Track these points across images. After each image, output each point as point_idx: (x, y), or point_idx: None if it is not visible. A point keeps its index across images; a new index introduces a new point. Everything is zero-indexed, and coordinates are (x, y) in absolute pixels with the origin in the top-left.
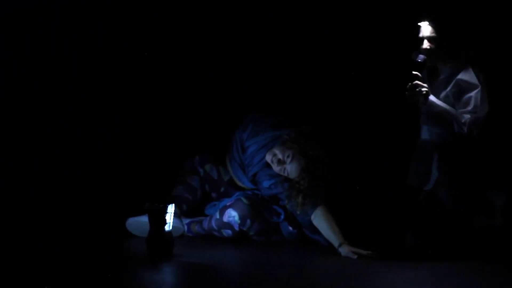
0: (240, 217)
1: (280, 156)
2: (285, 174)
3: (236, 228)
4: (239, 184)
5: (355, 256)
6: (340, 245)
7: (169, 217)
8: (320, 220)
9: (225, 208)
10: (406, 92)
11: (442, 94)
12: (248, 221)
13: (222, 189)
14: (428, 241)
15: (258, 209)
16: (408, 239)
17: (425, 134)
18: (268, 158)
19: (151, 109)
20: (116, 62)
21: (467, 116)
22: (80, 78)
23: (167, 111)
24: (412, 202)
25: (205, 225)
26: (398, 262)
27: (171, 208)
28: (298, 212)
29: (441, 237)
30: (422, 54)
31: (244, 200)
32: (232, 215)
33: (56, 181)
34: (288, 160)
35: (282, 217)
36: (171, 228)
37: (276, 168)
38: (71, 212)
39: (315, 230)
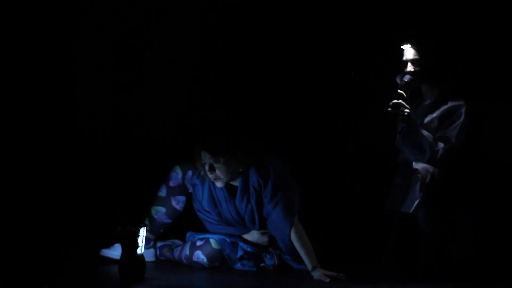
0: (209, 260)
1: (206, 167)
2: (222, 174)
3: (206, 266)
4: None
5: (328, 280)
6: (313, 269)
7: (141, 240)
8: (295, 239)
9: (194, 247)
10: (389, 109)
11: (427, 119)
12: (217, 263)
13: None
14: (404, 264)
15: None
16: (384, 263)
17: (404, 155)
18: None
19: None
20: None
21: (441, 144)
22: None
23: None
24: (389, 225)
25: (176, 254)
26: (373, 285)
27: (143, 231)
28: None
29: (416, 261)
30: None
31: (213, 244)
32: (200, 257)
33: (25, 202)
34: (213, 162)
35: (239, 265)
36: (143, 251)
37: (211, 176)
38: (43, 233)
39: (296, 258)
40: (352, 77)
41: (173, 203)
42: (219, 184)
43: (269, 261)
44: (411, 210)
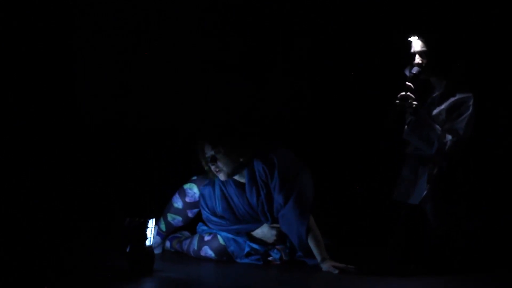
0: (216, 255)
1: (209, 160)
2: (224, 166)
3: (214, 260)
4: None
5: (336, 271)
6: (322, 260)
7: (150, 232)
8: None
9: (202, 242)
10: (397, 101)
11: (435, 111)
12: (225, 258)
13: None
14: (409, 255)
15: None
16: (390, 254)
17: (411, 147)
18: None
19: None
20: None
21: (449, 136)
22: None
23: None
24: (396, 216)
25: (185, 247)
26: (381, 277)
27: (151, 223)
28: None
29: (421, 252)
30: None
31: (220, 240)
32: (208, 252)
33: (25, 202)
34: (215, 154)
35: (248, 259)
36: (152, 243)
37: (213, 167)
38: (43, 233)
39: (310, 253)
40: (352, 77)
41: (189, 214)
42: (222, 177)
43: (276, 255)
44: (418, 202)
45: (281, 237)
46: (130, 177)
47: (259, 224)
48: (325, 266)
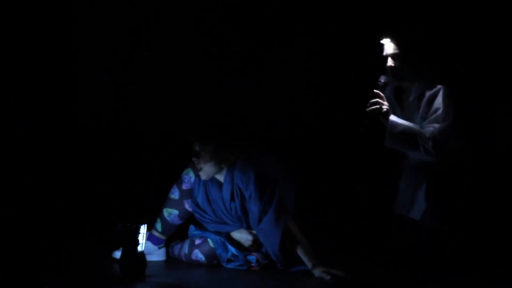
0: (206, 258)
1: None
2: (205, 165)
3: (205, 263)
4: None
5: (328, 277)
6: (313, 267)
7: (142, 238)
8: (291, 241)
9: (193, 246)
10: (367, 109)
11: (416, 115)
12: (215, 261)
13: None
14: (409, 255)
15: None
16: (390, 254)
17: (408, 159)
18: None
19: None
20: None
21: (430, 129)
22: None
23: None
24: (396, 227)
25: (175, 252)
26: (374, 283)
27: (143, 229)
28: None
29: (421, 252)
30: (387, 71)
31: (211, 243)
32: (199, 256)
33: (25, 202)
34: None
35: (231, 265)
36: (143, 248)
37: (196, 161)
38: (43, 233)
39: (288, 264)
40: (352, 77)
41: (186, 206)
42: (202, 175)
43: (252, 258)
44: (419, 218)
45: (256, 243)
46: (130, 177)
47: (236, 226)
48: (317, 272)
